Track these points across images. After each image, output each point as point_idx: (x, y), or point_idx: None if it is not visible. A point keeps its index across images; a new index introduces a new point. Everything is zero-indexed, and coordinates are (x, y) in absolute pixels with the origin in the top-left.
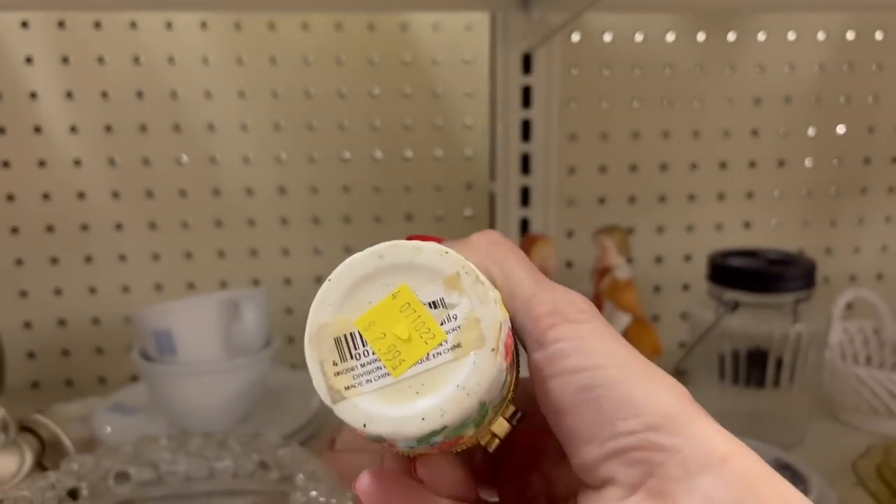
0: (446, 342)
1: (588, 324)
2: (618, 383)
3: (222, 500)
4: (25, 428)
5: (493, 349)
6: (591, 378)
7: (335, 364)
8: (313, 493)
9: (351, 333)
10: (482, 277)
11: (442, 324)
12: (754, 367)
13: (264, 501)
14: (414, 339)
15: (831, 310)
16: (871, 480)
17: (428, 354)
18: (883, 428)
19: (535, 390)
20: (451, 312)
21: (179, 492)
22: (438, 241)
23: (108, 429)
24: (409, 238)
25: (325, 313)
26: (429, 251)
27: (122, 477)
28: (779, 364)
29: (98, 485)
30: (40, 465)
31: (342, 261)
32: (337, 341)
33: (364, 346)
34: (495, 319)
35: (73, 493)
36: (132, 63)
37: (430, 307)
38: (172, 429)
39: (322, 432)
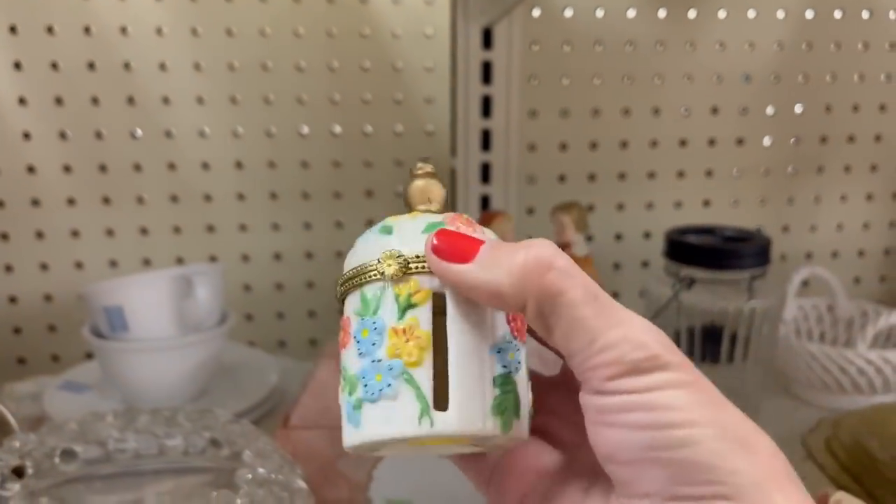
0: None
1: (659, 373)
2: (689, 446)
3: (171, 478)
4: None
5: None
6: (657, 439)
7: None
8: (260, 470)
9: None
10: None
11: None
12: (709, 342)
13: (214, 479)
14: None
15: (787, 287)
16: (820, 454)
17: None
18: (833, 403)
19: (587, 427)
20: None
21: (128, 469)
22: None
23: (58, 407)
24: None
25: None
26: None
27: (69, 455)
28: (733, 340)
29: (43, 463)
30: None
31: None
32: None
33: None
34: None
35: (18, 472)
36: (83, 33)
37: None
38: (123, 406)
39: (278, 410)
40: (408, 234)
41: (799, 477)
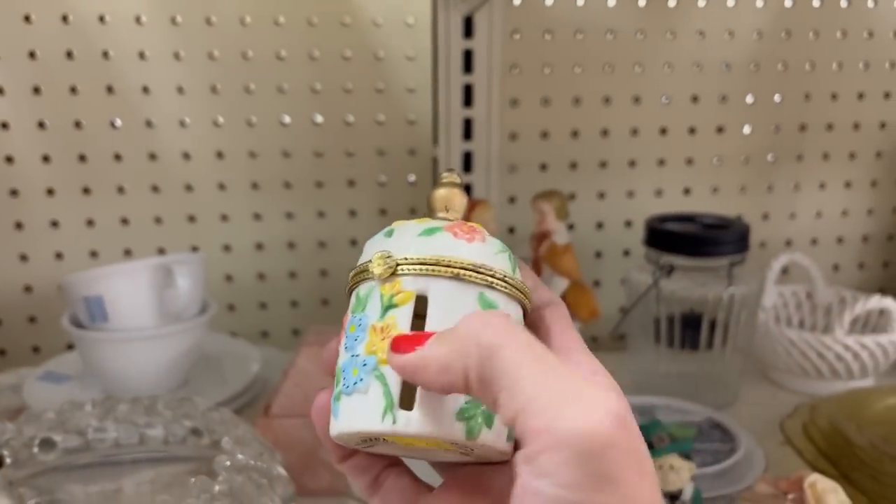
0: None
1: (609, 468)
2: None
3: (151, 466)
4: None
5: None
6: None
7: None
8: (239, 456)
9: None
10: None
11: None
12: (689, 330)
13: (194, 468)
14: None
15: (766, 273)
16: (797, 439)
17: None
18: (811, 388)
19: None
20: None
21: (107, 459)
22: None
23: (38, 398)
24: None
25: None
26: None
27: (48, 444)
28: (712, 326)
29: (21, 452)
30: None
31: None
32: None
33: None
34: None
35: None
36: (61, 22)
37: None
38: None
39: (260, 399)
40: (404, 238)
41: (776, 463)
